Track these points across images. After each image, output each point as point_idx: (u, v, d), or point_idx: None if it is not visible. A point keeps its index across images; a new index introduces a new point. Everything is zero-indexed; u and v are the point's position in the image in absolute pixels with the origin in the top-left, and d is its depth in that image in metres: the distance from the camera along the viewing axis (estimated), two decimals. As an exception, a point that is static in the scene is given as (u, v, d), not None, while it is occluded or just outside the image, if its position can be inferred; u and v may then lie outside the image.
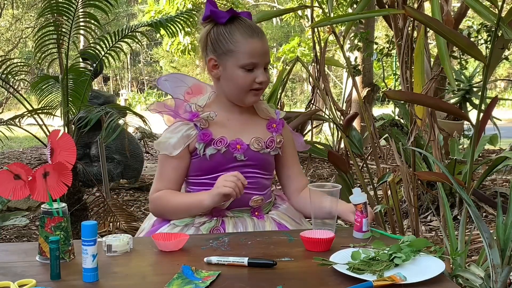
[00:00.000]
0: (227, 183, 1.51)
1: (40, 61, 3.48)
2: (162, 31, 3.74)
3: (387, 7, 2.46)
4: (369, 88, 8.00)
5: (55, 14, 3.42)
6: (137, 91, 27.35)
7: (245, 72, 1.62)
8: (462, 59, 6.53)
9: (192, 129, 1.66)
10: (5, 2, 13.65)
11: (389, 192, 2.49)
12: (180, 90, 1.77)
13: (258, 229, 1.65)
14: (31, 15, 16.35)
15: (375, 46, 7.19)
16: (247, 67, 1.61)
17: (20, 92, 3.70)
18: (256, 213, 1.69)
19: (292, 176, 1.77)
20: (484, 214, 3.82)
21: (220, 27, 1.64)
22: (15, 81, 3.65)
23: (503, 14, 1.81)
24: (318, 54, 2.58)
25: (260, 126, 1.72)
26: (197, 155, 1.65)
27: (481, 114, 2.03)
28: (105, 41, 3.57)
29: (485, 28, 6.41)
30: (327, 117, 2.60)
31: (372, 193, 2.67)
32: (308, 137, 2.93)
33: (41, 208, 1.36)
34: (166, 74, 1.88)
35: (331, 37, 3.34)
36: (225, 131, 1.67)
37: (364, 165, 2.68)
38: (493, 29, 1.83)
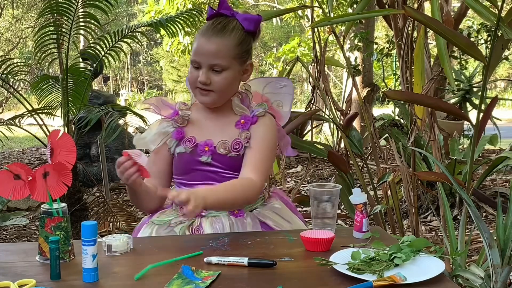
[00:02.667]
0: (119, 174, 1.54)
1: (40, 61, 3.48)
2: (162, 31, 3.74)
3: (387, 7, 2.46)
4: (369, 88, 7.99)
5: (55, 14, 3.42)
6: (137, 91, 27.33)
7: (193, 68, 1.64)
8: (462, 59, 6.53)
9: (170, 126, 1.69)
10: (5, 2, 13.64)
11: (389, 192, 2.49)
12: None
13: (236, 227, 1.61)
14: (31, 15, 16.33)
15: (375, 46, 7.19)
16: (193, 64, 1.64)
17: (20, 92, 3.70)
18: (234, 212, 1.65)
19: (245, 166, 1.64)
20: (484, 214, 3.82)
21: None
22: (15, 81, 3.65)
23: (503, 14, 1.81)
24: (318, 54, 2.58)
25: (231, 126, 1.68)
26: (172, 153, 1.68)
27: (481, 114, 2.03)
28: (105, 41, 3.57)
29: (485, 28, 6.41)
30: (327, 117, 2.60)
31: (372, 193, 2.67)
32: (308, 137, 2.93)
33: (41, 208, 1.36)
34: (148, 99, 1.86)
35: (331, 37, 3.34)
36: (198, 131, 1.67)
37: (364, 165, 2.68)
38: (493, 29, 1.83)
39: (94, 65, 3.66)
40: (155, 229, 1.63)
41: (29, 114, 3.41)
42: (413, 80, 2.24)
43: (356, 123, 6.28)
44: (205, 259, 1.32)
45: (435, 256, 1.33)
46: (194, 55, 1.62)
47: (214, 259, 1.32)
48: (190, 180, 1.67)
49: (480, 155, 5.74)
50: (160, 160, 1.68)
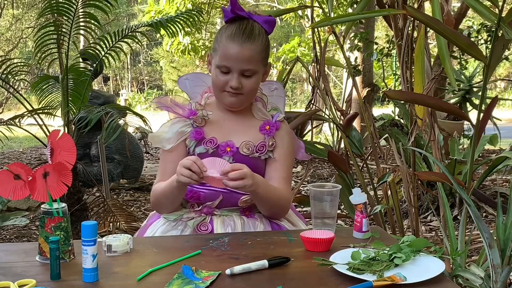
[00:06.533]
0: (183, 171, 1.49)
1: (40, 61, 3.48)
2: (162, 31, 3.74)
3: (387, 7, 2.46)
4: (369, 88, 7.99)
5: (55, 14, 3.41)
6: (137, 91, 27.34)
7: (220, 73, 1.63)
8: (462, 59, 6.53)
9: (188, 126, 1.68)
10: (5, 2, 13.64)
11: (389, 192, 2.49)
12: (198, 89, 1.79)
13: (248, 228, 1.64)
14: (31, 15, 16.34)
15: (375, 46, 7.18)
16: (221, 68, 1.63)
17: (20, 92, 3.70)
18: (246, 213, 1.69)
19: (273, 179, 1.69)
20: (484, 214, 3.81)
21: (224, 26, 1.67)
22: (15, 81, 3.65)
23: (504, 14, 1.81)
24: (318, 54, 2.57)
25: (254, 129, 1.71)
26: (190, 153, 1.67)
27: (481, 114, 2.03)
28: (105, 41, 3.56)
29: (485, 28, 6.41)
30: (327, 117, 2.60)
31: (372, 193, 2.67)
32: (308, 137, 2.93)
33: (41, 208, 1.36)
34: (187, 73, 1.88)
35: (331, 37, 3.34)
36: (218, 132, 1.68)
37: (364, 165, 2.67)
38: (493, 29, 1.83)
39: (94, 65, 3.66)
40: (167, 224, 1.65)
41: (29, 114, 3.41)
42: (413, 80, 2.23)
43: (356, 123, 6.29)
44: (227, 271, 1.25)
45: (435, 256, 1.33)
46: (225, 60, 1.61)
47: (237, 269, 1.25)
48: (207, 182, 1.66)
49: (480, 155, 5.74)
50: (177, 159, 1.64)
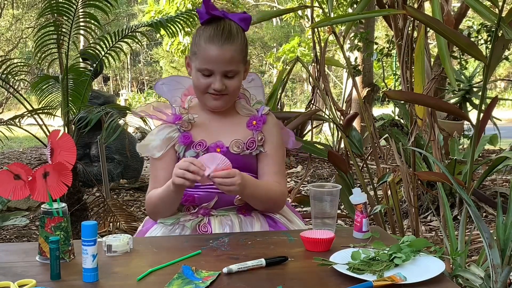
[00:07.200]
0: (177, 172, 1.48)
1: (40, 61, 3.48)
2: (162, 31, 3.75)
3: (387, 7, 2.46)
4: (369, 88, 7.99)
5: (55, 14, 3.42)
6: (137, 91, 27.33)
7: (202, 76, 1.63)
8: (462, 59, 6.53)
9: (175, 132, 1.68)
10: (5, 2, 13.65)
11: (389, 192, 2.49)
12: (177, 92, 1.78)
13: (246, 227, 1.64)
14: (31, 15, 16.35)
15: (375, 46, 7.19)
16: (203, 72, 1.62)
17: (20, 92, 3.70)
18: (243, 211, 1.68)
19: (266, 174, 1.69)
20: (484, 214, 3.81)
21: (200, 28, 1.66)
22: (15, 81, 3.65)
23: (504, 14, 1.81)
24: (318, 54, 2.57)
25: (241, 126, 1.71)
26: (181, 158, 1.66)
27: (481, 114, 2.03)
28: (105, 41, 3.57)
29: (485, 28, 6.41)
30: (327, 117, 2.60)
31: (372, 193, 2.67)
32: (308, 137, 2.93)
33: (41, 208, 1.36)
34: (164, 77, 1.88)
35: (331, 37, 3.34)
36: (205, 134, 1.67)
37: (364, 165, 2.67)
38: (493, 29, 1.83)
39: (94, 65, 3.66)
40: (164, 228, 1.64)
41: (29, 114, 3.41)
42: (413, 80, 2.23)
43: (356, 123, 6.28)
44: (224, 270, 1.26)
45: (435, 256, 1.33)
46: (206, 63, 1.60)
47: (234, 267, 1.26)
48: (200, 181, 1.66)
49: (480, 155, 5.74)
50: (168, 165, 1.65)
